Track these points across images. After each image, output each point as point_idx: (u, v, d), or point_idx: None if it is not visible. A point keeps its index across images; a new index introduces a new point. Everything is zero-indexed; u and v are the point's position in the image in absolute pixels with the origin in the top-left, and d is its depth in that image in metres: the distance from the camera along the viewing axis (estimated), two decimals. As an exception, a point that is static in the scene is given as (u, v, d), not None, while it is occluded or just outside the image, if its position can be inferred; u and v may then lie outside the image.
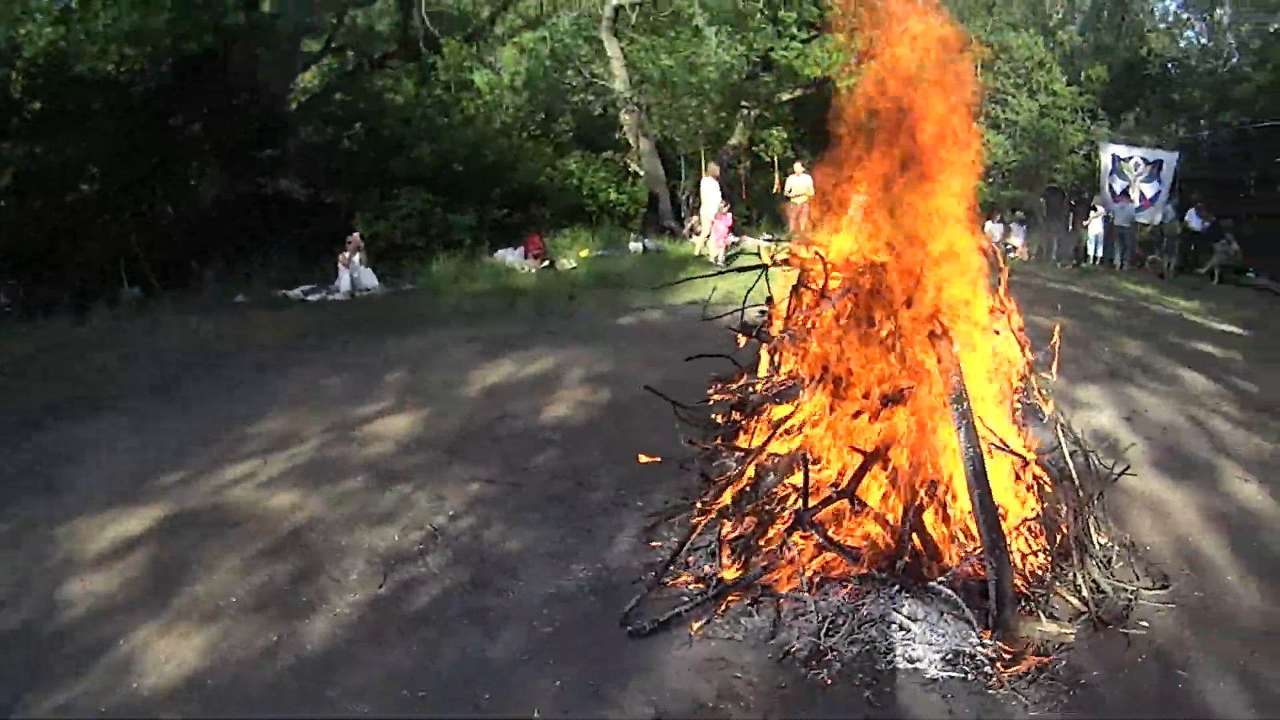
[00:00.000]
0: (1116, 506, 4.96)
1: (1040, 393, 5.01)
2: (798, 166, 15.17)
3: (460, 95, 16.57)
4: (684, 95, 16.42)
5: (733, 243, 14.04)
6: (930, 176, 4.53)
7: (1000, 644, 3.72)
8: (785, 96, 17.80)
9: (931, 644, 3.78)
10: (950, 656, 3.71)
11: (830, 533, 4.25)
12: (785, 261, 5.23)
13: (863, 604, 3.95)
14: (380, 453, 5.63)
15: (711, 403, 5.65)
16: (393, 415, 6.27)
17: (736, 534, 4.45)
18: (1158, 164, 16.46)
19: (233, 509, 4.89)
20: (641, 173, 17.87)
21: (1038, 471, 4.52)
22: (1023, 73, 19.71)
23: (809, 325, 4.75)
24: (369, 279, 11.11)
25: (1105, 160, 16.95)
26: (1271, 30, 19.31)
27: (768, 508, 4.53)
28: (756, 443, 4.84)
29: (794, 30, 16.03)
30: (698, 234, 15.07)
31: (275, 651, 3.65)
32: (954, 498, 4.34)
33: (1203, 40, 22.01)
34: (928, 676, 3.60)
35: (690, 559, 4.30)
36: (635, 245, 13.98)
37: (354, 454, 5.63)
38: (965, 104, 4.47)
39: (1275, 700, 3.50)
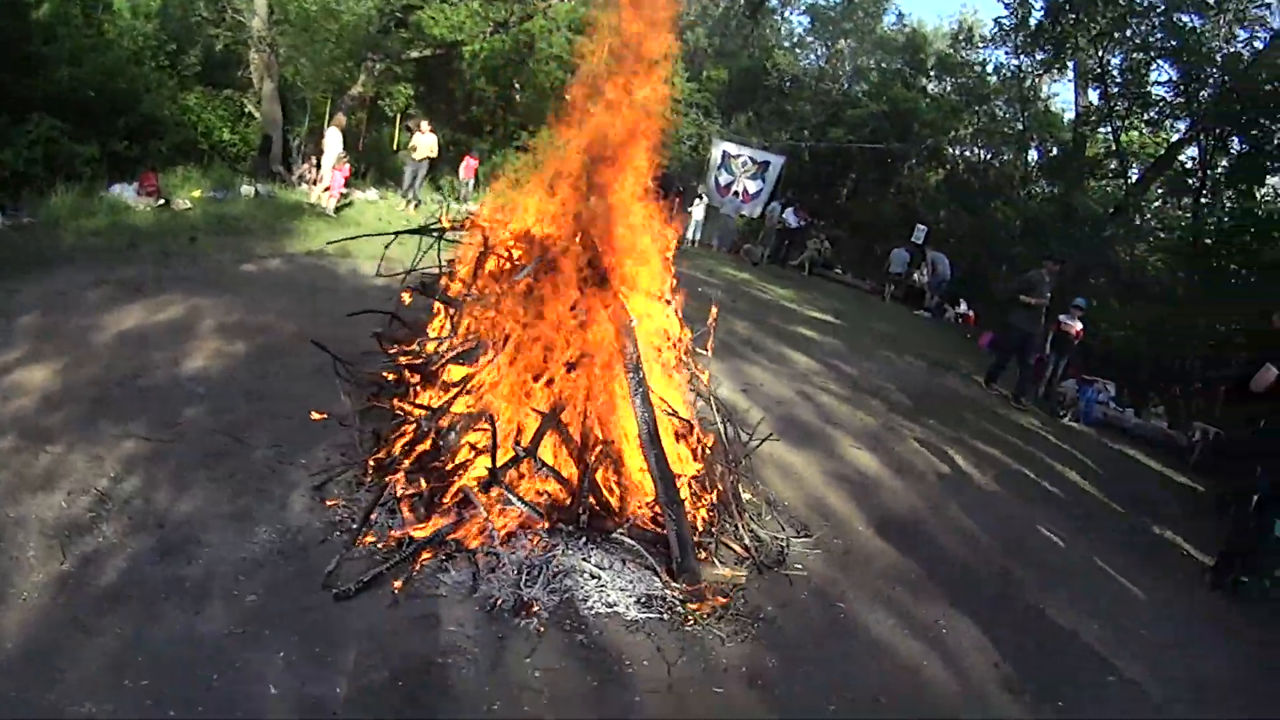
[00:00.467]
0: (753, 468, 5.53)
1: (696, 365, 5.36)
2: (424, 125, 14.91)
3: (102, 18, 14.17)
4: (320, 40, 15.35)
5: (342, 194, 13.48)
6: (614, 160, 4.68)
7: (686, 587, 3.92)
8: (414, 54, 17.43)
9: (623, 589, 3.91)
10: (644, 600, 3.86)
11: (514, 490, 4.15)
12: (462, 227, 5.15)
13: (554, 556, 3.96)
14: (23, 407, 4.74)
15: (384, 359, 5.29)
16: (30, 365, 5.28)
17: (414, 492, 4.16)
18: (765, 164, 18.68)
19: None
20: (258, 115, 16.41)
21: (700, 435, 4.83)
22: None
23: (495, 291, 4.62)
24: (-13, 211, 8.94)
25: (715, 155, 18.78)
26: (888, 69, 22.96)
27: (448, 466, 4.31)
28: (436, 402, 4.59)
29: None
30: (308, 182, 14.45)
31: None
32: (624, 459, 4.50)
33: (821, 64, 25.35)
34: (628, 619, 3.71)
35: (372, 517, 3.94)
36: (247, 189, 12.96)
37: None
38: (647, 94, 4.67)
39: (918, 623, 4.21)
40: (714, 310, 5.59)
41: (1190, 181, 14.77)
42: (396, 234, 5.75)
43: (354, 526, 3.93)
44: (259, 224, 10.82)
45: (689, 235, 17.79)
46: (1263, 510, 5.62)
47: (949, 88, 21.29)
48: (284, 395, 5.35)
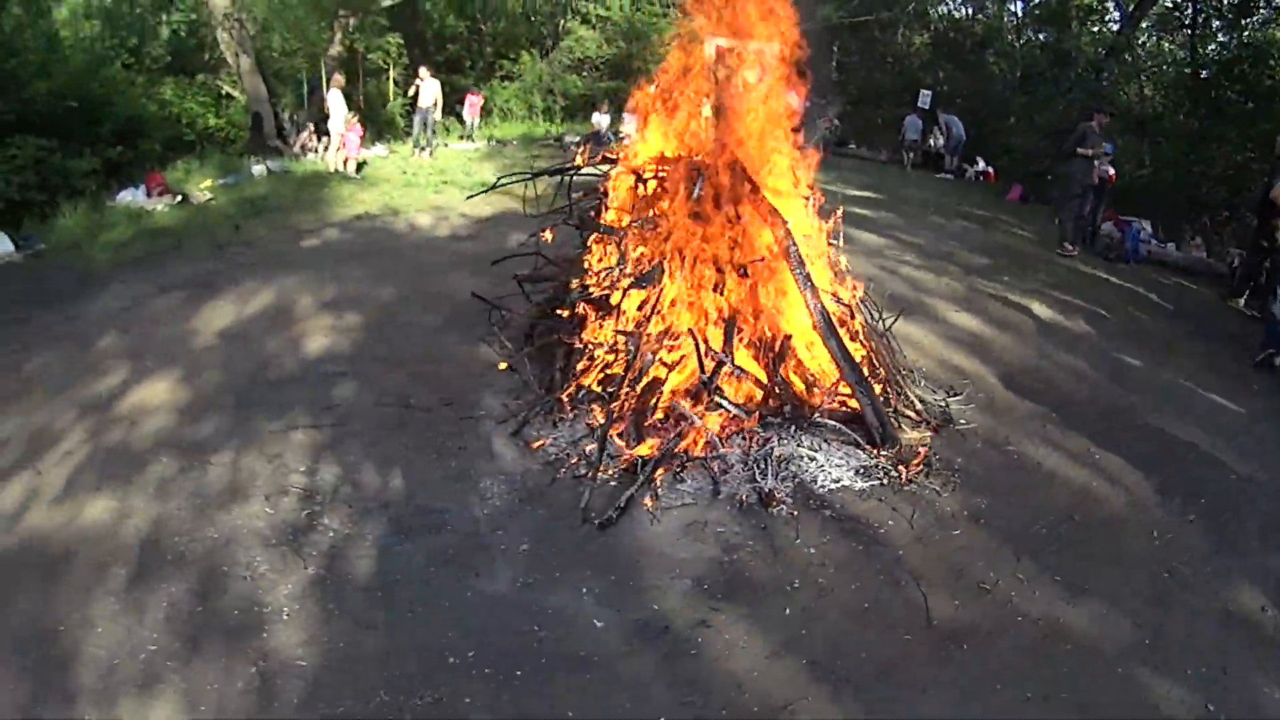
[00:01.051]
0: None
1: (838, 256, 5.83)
2: (424, 71, 14.77)
3: (56, 25, 13.83)
4: (289, 4, 15.13)
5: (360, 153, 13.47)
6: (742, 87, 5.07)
7: (891, 453, 4.52)
8: (386, 3, 17.21)
9: (839, 465, 4.49)
10: (861, 471, 4.46)
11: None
12: (605, 160, 5.61)
13: (771, 448, 4.46)
14: (164, 426, 4.77)
15: (541, 297, 5.76)
16: (143, 382, 5.33)
17: (624, 414, 4.63)
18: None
19: (46, 540, 3.73)
20: (237, 95, 16.26)
21: (858, 319, 5.36)
22: None
23: (661, 213, 5.04)
24: (3, 245, 8.69)
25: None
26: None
27: (647, 385, 4.78)
28: (609, 330, 5.02)
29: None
30: (311, 150, 14.34)
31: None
32: (807, 348, 5.04)
33: None
34: (856, 489, 4.31)
35: (588, 448, 4.45)
36: (258, 169, 12.79)
37: (135, 435, 4.64)
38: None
39: (1074, 453, 4.87)
40: (839, 209, 5.86)
41: (1181, 16, 15.00)
42: (536, 174, 6.04)
43: (585, 460, 4.37)
44: (289, 200, 10.84)
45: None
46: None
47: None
48: (423, 356, 5.70)
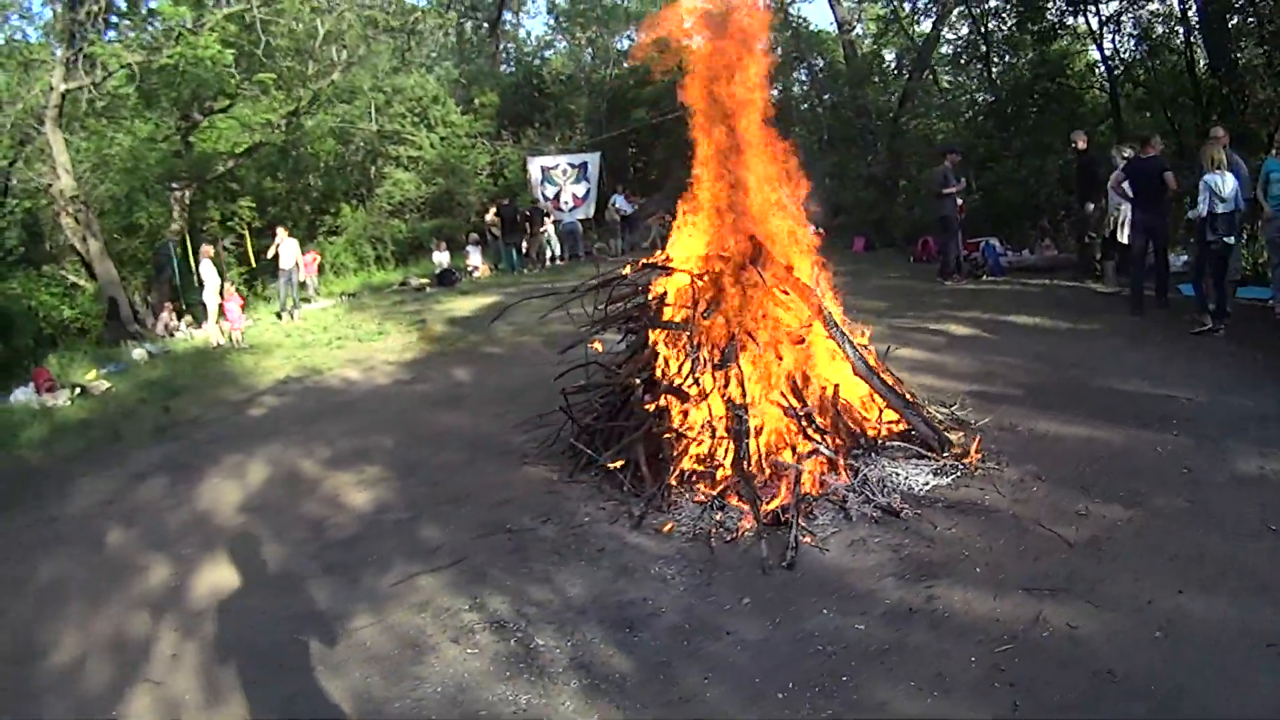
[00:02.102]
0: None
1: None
2: (281, 232, 15.08)
3: None
4: (128, 184, 15.38)
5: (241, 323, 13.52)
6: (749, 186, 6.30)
7: (951, 454, 5.70)
8: (221, 168, 17.57)
9: (919, 474, 5.60)
10: (937, 471, 5.60)
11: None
12: (661, 267, 6.54)
13: (867, 474, 5.53)
14: (263, 608, 4.95)
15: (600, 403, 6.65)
16: (201, 570, 5.53)
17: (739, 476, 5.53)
18: (583, 165, 20.40)
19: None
20: (83, 281, 16.05)
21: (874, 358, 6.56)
22: (419, 111, 21.74)
23: (723, 302, 6.10)
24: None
25: (534, 172, 20.16)
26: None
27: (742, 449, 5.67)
28: (699, 414, 5.93)
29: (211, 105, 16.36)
30: (174, 330, 14.53)
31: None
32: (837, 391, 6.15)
33: (590, 56, 26.38)
34: (943, 484, 5.45)
35: (717, 516, 5.34)
36: (138, 353, 12.65)
37: (237, 622, 4.81)
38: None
39: (1068, 422, 6.28)
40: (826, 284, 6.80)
41: (974, 52, 17.81)
42: (580, 290, 6.80)
43: (720, 526, 5.17)
44: (194, 378, 10.93)
45: (554, 252, 18.88)
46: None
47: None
48: (480, 487, 6.23)
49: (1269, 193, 8.15)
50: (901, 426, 6.02)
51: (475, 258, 18.26)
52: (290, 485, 6.76)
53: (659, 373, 6.23)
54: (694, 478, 5.77)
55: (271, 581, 5.22)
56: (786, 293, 6.15)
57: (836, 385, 6.05)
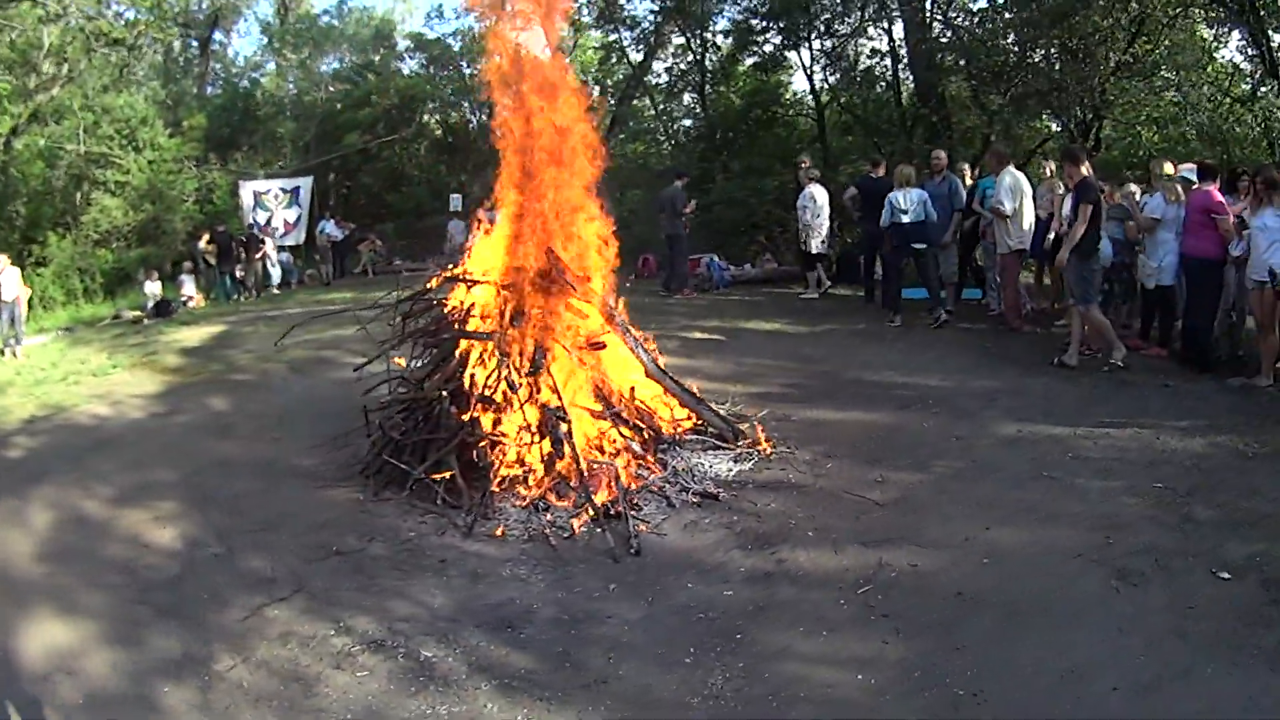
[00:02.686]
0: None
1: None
2: (3, 259, 12.78)
3: None
4: None
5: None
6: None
7: (745, 442, 6.26)
8: None
9: (721, 461, 6.10)
10: (735, 459, 6.13)
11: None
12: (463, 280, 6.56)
13: (675, 466, 5.93)
14: (99, 673, 4.26)
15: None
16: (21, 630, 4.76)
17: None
18: (295, 190, 19.42)
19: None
20: None
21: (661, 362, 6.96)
22: (127, 133, 20.31)
23: (530, 312, 6.19)
24: None
25: (245, 197, 19.04)
26: (354, 64, 24.25)
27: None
28: (513, 421, 5.96)
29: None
30: None
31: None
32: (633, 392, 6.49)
33: (298, 79, 25.07)
34: (745, 469, 5.99)
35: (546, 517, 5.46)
36: None
37: (77, 682, 4.11)
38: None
39: (829, 404, 7.15)
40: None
41: (689, 81, 19.27)
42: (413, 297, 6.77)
43: (552, 526, 5.27)
44: None
45: (276, 279, 17.81)
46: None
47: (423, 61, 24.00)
48: (289, 514, 5.82)
49: (985, 205, 9.77)
50: (691, 423, 6.50)
51: (189, 287, 16.93)
52: (82, 527, 5.93)
53: (466, 383, 6.17)
54: (512, 483, 5.79)
55: (109, 633, 4.52)
56: (584, 301, 6.36)
57: (633, 387, 6.40)
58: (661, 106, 20.65)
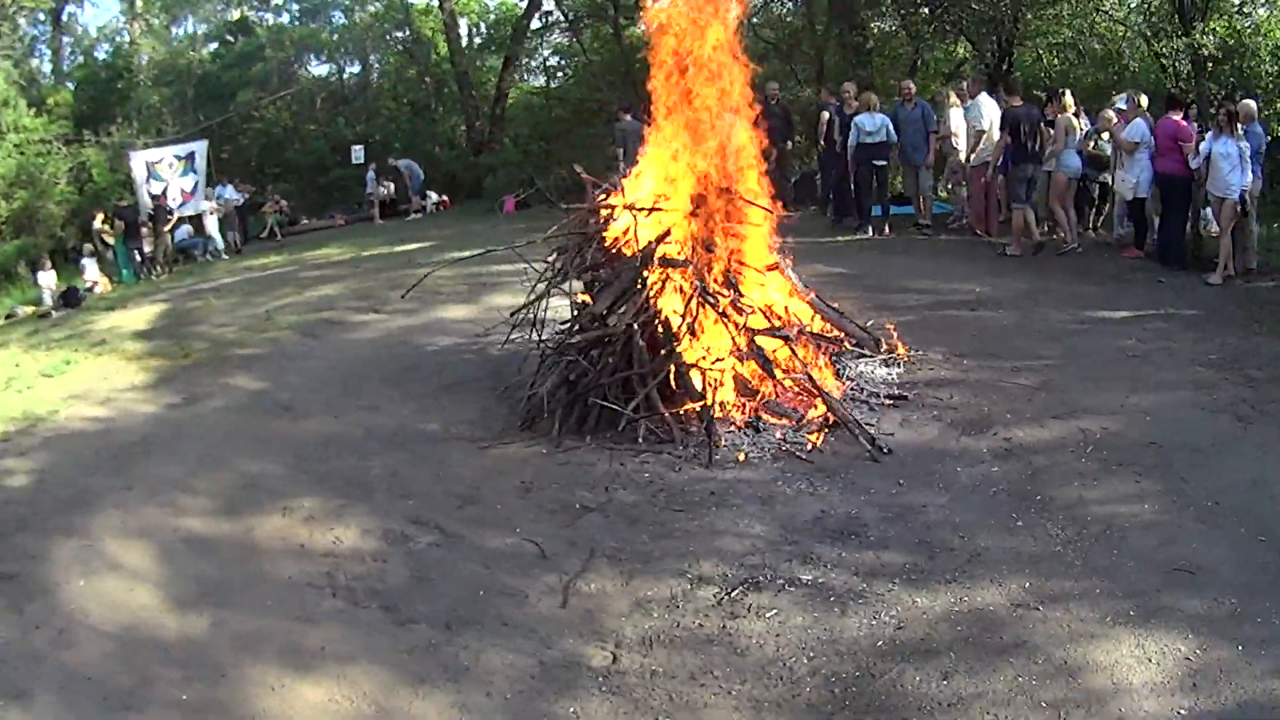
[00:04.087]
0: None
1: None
2: None
3: None
4: None
5: None
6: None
7: (884, 351, 7.43)
8: None
9: (875, 369, 7.14)
10: (884, 364, 7.22)
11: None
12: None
13: (850, 376, 6.97)
14: None
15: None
16: None
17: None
18: (190, 155, 18.12)
19: None
20: None
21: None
22: None
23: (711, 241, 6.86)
24: None
25: (138, 169, 17.62)
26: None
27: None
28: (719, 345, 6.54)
29: None
30: None
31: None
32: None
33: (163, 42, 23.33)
34: (896, 373, 7.07)
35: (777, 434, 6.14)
36: None
37: None
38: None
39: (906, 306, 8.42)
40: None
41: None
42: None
43: (809, 441, 5.95)
44: None
45: (219, 246, 17.22)
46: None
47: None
48: (485, 478, 5.84)
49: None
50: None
51: (92, 271, 15.58)
52: (208, 553, 5.15)
53: (658, 314, 6.43)
54: (725, 409, 6.31)
55: (407, 669, 4.08)
56: (755, 227, 7.05)
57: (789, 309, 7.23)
58: (573, 40, 20.83)
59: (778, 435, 6.16)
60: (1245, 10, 11.52)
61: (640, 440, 6.06)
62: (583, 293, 6.91)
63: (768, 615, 4.23)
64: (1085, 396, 6.39)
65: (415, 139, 21.30)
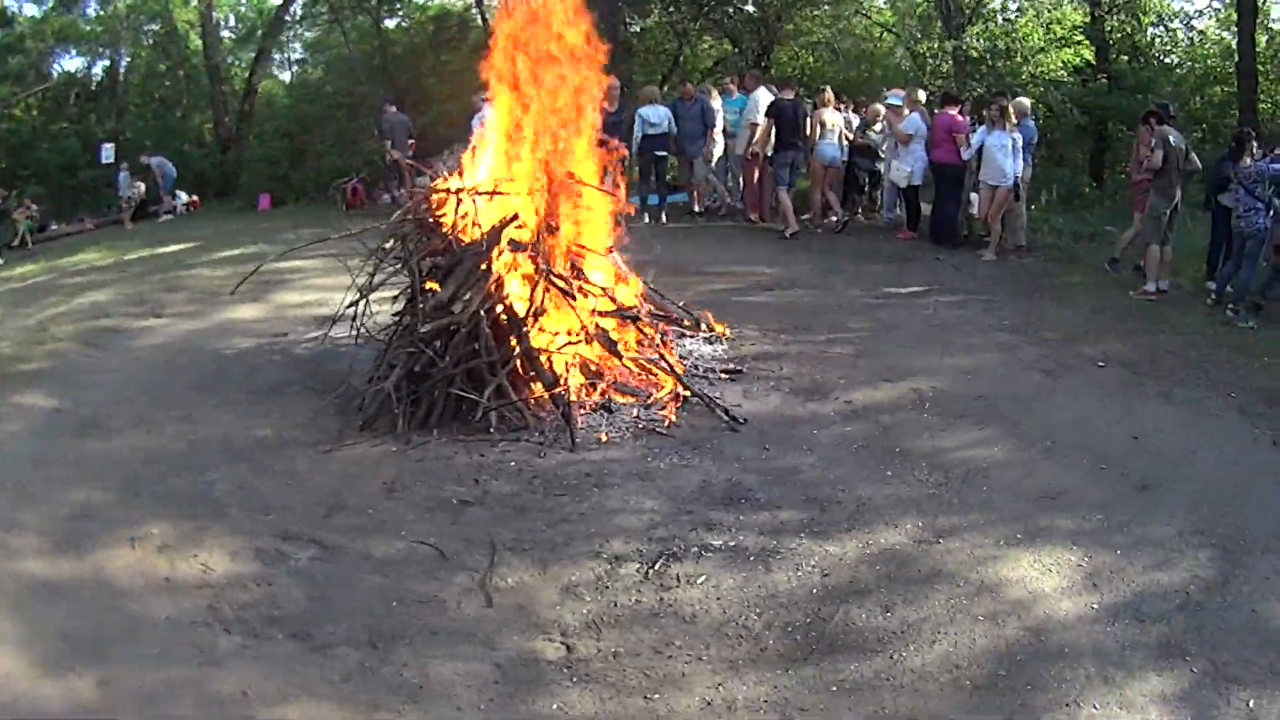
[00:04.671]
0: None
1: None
2: None
3: None
4: None
5: None
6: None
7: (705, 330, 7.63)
8: None
9: (699, 346, 7.31)
10: (707, 342, 7.42)
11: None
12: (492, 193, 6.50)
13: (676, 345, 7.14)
14: None
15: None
16: None
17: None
18: None
19: None
20: None
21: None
22: None
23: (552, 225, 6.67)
24: None
25: None
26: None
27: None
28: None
29: None
30: None
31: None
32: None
33: None
34: (720, 350, 7.30)
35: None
36: None
37: None
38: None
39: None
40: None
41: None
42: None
43: (663, 418, 5.93)
44: None
45: None
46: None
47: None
48: (347, 480, 5.31)
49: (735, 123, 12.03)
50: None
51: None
52: (102, 596, 4.28)
53: (504, 299, 6.22)
54: (579, 391, 6.21)
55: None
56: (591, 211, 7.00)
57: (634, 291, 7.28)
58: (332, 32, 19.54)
59: (632, 414, 6.14)
60: (1009, 17, 13.17)
61: (492, 430, 5.80)
62: (429, 280, 6.41)
63: (699, 582, 4.21)
64: (906, 361, 6.99)
65: (165, 136, 19.30)
